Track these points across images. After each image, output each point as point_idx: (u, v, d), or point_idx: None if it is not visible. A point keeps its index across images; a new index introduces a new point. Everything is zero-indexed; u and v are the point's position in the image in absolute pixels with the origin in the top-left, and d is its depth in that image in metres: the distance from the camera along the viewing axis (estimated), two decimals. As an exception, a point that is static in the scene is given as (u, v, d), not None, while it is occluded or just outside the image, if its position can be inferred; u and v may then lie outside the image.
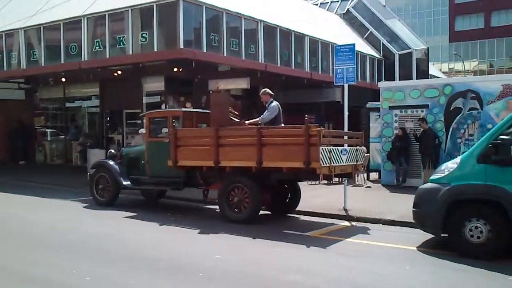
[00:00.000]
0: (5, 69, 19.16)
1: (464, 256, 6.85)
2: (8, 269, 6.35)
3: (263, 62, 17.85)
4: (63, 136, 21.85)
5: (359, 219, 9.89)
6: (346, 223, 9.81)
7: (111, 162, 11.77)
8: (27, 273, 6.18)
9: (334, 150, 9.04)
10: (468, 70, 61.72)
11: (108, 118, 19.98)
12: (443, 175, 7.38)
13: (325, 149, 8.71)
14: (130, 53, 15.75)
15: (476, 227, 6.89)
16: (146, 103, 17.61)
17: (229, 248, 7.72)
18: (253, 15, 17.72)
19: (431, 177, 7.72)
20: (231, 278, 6.06)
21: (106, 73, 17.74)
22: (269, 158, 9.08)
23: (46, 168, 20.04)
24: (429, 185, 7.61)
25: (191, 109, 12.72)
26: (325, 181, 13.74)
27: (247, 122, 10.14)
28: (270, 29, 18.46)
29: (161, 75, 17.02)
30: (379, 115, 15.37)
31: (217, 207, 10.31)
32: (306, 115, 9.96)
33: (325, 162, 8.69)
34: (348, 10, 30.06)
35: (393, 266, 6.67)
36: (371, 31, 28.72)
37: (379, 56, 27.56)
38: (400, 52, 28.02)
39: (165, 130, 11.37)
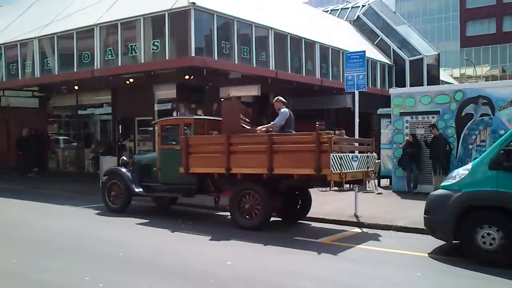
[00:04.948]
0: (19, 77, 19.43)
1: (476, 263, 6.82)
2: (19, 275, 6.44)
3: (273, 69, 17.91)
4: (76, 144, 22.05)
5: (370, 226, 9.88)
6: (357, 230, 9.81)
7: (123, 169, 11.87)
8: (39, 278, 6.25)
9: (345, 157, 9.05)
10: (480, 76, 61.32)
11: (120, 126, 20.14)
12: (454, 181, 7.37)
13: (336, 155, 8.73)
14: (142, 61, 15.91)
15: (488, 234, 6.86)
16: (158, 111, 17.72)
17: (240, 254, 7.76)
18: (264, 22, 17.81)
19: (442, 184, 7.71)
20: (242, 284, 6.10)
21: (118, 81, 17.91)
22: (280, 165, 9.11)
23: (59, 176, 20.22)
24: (440, 191, 7.60)
25: (203, 117, 12.80)
26: (336, 188, 13.75)
27: (258, 128, 10.19)
28: (280, 36, 18.53)
29: (172, 83, 17.14)
30: (390, 122, 15.35)
31: (228, 213, 10.35)
32: (317, 122, 10.00)
33: (336, 168, 8.70)
34: (358, 16, 30.07)
35: (404, 273, 6.67)
36: (381, 38, 28.69)
37: (389, 62, 27.51)
38: (410, 58, 27.95)
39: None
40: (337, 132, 15.34)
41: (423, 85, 24.94)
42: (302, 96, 21.30)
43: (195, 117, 12.07)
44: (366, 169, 9.89)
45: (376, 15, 30.37)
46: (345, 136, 14.01)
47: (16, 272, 6.56)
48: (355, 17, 30.19)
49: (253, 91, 17.75)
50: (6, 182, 17.72)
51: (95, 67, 16.83)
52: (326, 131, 9.78)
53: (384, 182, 16.24)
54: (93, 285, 5.95)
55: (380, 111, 16.83)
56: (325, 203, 12.09)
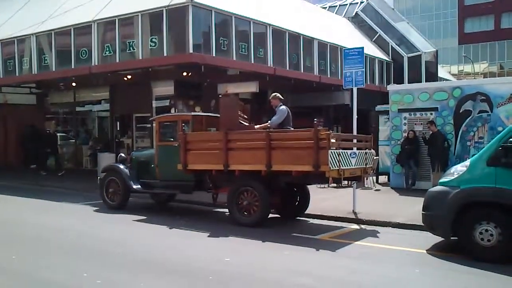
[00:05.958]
0: (17, 74, 19.37)
1: (474, 259, 6.83)
2: (19, 273, 6.43)
3: (272, 65, 17.90)
4: (74, 140, 22.02)
5: (368, 222, 9.89)
6: (355, 226, 9.81)
7: (122, 166, 11.86)
8: (38, 276, 6.25)
9: (343, 154, 9.05)
10: (478, 72, 61.33)
11: (118, 122, 20.12)
12: (453, 178, 7.38)
13: (334, 152, 8.72)
14: (140, 57, 15.87)
15: (486, 230, 6.87)
16: (156, 107, 17.71)
17: (239, 251, 7.75)
18: (262, 19, 17.78)
19: (441, 180, 7.72)
20: (241, 281, 6.09)
21: (116, 77, 17.87)
22: (278, 162, 9.10)
23: (57, 172, 20.17)
24: (438, 188, 7.60)
25: (201, 113, 12.79)
26: (334, 184, 13.73)
27: (256, 126, 10.17)
28: (279, 33, 18.50)
29: (170, 79, 17.12)
30: (388, 118, 15.36)
31: (226, 210, 10.35)
32: (315, 119, 9.98)
33: (334, 165, 8.70)
34: (356, 13, 30.06)
35: (403, 269, 6.67)
36: (379, 34, 28.69)
37: (388, 59, 27.51)
38: (409, 55, 27.96)
39: None
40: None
41: (421, 82, 24.95)
42: (300, 93, 21.30)
43: (193, 113, 12.05)
44: (364, 166, 9.88)
45: (374, 11, 30.37)
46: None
47: (15, 270, 6.55)
48: (354, 14, 30.18)
49: (251, 87, 17.74)
50: (5, 180, 17.65)
51: (93, 64, 16.78)
52: (324, 128, 9.77)
53: (382, 178, 16.26)
54: (92, 282, 5.94)
55: (378, 107, 16.84)
56: (323, 200, 12.10)
